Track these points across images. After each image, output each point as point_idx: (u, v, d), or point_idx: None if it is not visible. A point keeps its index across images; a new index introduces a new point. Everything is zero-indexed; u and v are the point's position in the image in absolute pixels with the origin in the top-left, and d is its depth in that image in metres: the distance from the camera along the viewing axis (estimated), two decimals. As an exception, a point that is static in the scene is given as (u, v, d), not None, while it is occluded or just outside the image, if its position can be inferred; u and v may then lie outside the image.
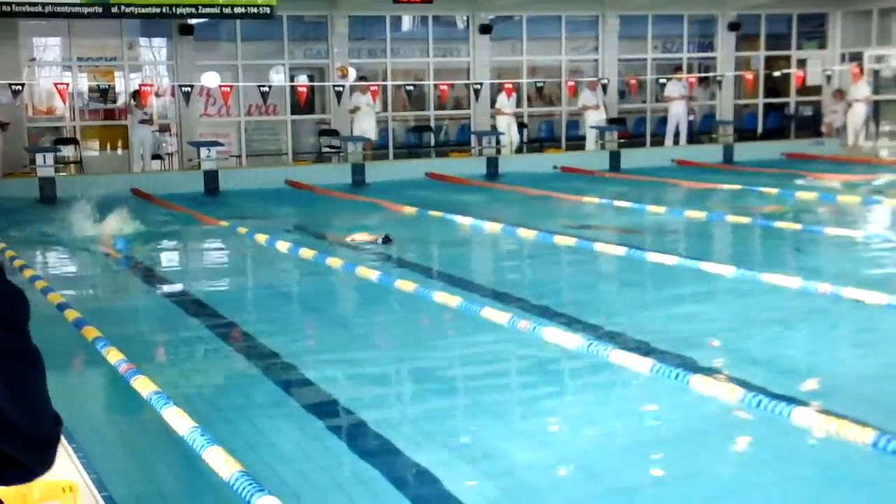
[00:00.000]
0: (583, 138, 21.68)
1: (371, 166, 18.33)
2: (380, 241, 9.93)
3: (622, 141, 20.38)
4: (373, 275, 8.36)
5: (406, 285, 7.82)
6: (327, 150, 19.99)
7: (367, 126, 19.26)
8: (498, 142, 19.48)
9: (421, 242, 9.77)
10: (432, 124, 21.12)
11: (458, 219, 12.03)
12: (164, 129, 19.41)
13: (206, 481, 4.10)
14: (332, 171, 18.00)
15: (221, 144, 18.13)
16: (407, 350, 6.40)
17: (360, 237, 10.32)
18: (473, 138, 20.10)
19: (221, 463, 3.95)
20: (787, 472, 4.28)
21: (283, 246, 10.29)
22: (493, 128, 20.12)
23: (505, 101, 19.95)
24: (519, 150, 20.35)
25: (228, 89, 18.43)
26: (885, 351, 6.32)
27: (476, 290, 7.77)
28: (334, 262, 9.08)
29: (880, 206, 11.54)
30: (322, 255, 9.47)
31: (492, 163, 18.77)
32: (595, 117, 20.55)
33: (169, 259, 9.46)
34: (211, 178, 16.95)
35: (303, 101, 19.35)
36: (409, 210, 13.19)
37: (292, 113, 20.08)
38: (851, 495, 4.00)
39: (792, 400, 4.67)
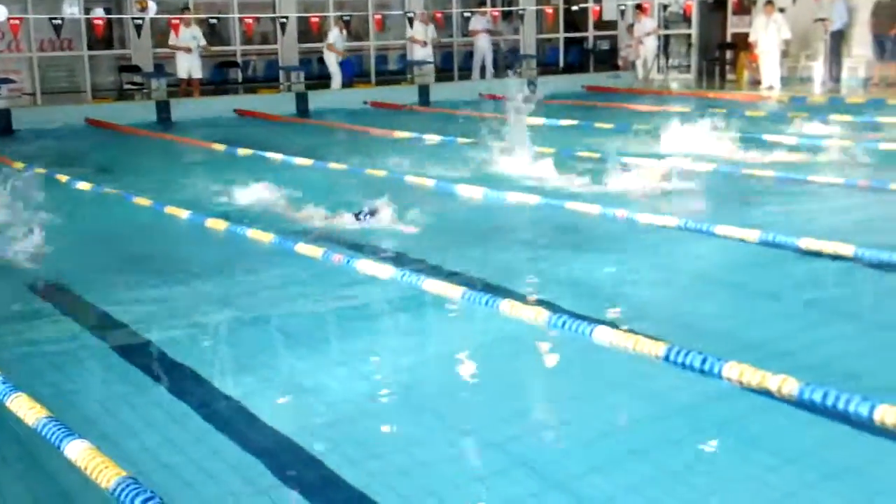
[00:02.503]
0: (392, 73, 21.69)
1: (177, 103, 17.74)
2: (363, 216, 7.97)
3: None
4: (183, 214, 8.19)
5: (218, 224, 7.71)
6: (129, 86, 19.16)
7: (194, 63, 18.54)
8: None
9: (234, 181, 9.59)
10: (239, 60, 20.58)
11: (270, 155, 11.88)
12: (-56, 65, 18.07)
13: (7, 433, 3.95)
14: (135, 109, 17.35)
15: (12, 81, 17.10)
16: (217, 286, 6.31)
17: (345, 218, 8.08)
18: (282, 74, 19.72)
19: (27, 410, 3.83)
20: (589, 386, 4.56)
21: (85, 186, 9.89)
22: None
23: (337, 37, 19.67)
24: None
25: (18, 22, 17.28)
26: (677, 270, 6.77)
27: (288, 226, 7.74)
28: (141, 201, 8.83)
29: (673, 133, 12.15)
30: (128, 194, 9.17)
31: (301, 98, 18.51)
32: (422, 52, 20.59)
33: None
34: (2, 117, 15.97)
35: (100, 35, 18.41)
36: (218, 147, 12.91)
37: (89, 48, 19.06)
38: (644, 403, 4.31)
39: (594, 320, 4.94)
